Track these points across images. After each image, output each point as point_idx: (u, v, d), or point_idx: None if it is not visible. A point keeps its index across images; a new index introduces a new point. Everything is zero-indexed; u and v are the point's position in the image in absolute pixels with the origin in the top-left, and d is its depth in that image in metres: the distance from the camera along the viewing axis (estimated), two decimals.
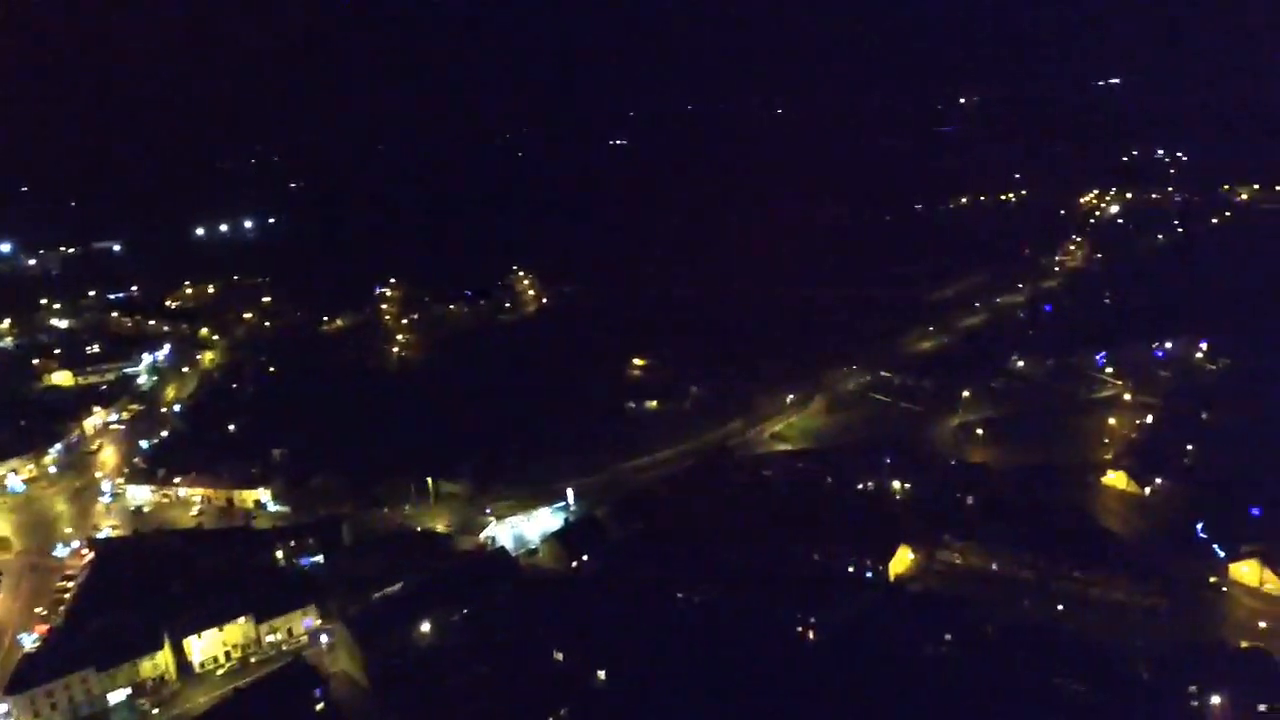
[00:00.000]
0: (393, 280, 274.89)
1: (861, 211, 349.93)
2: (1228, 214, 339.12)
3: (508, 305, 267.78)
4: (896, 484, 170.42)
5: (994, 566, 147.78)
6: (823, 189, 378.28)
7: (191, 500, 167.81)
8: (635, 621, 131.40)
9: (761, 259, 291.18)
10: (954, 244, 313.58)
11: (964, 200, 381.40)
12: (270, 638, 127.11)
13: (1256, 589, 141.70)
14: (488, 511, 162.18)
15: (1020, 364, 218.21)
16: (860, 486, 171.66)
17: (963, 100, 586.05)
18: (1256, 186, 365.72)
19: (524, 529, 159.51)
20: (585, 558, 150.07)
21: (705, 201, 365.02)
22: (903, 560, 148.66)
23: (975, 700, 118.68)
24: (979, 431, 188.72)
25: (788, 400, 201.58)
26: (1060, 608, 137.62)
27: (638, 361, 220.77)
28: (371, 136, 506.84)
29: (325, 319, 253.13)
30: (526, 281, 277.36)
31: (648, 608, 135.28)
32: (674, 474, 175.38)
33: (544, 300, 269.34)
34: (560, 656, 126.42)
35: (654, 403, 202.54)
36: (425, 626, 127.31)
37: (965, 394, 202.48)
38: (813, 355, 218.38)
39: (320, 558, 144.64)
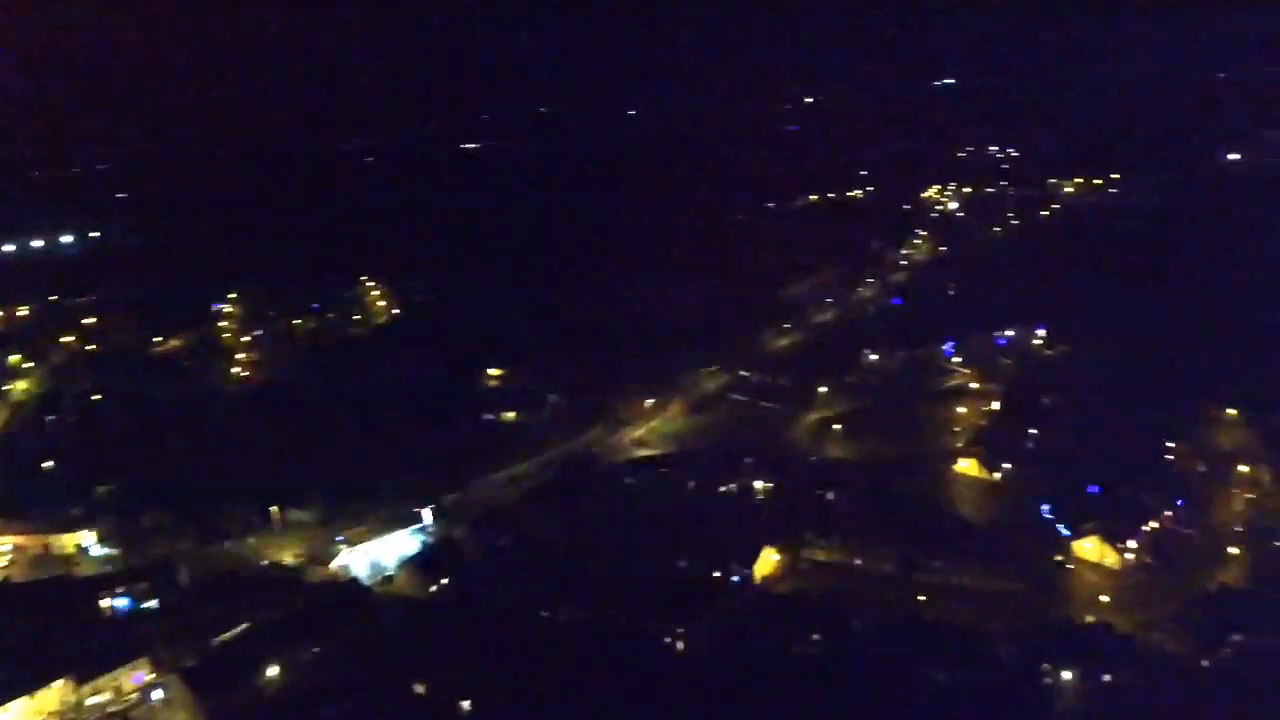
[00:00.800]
0: (232, 295, 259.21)
1: (714, 210, 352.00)
2: (1055, 206, 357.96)
3: (357, 316, 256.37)
4: (759, 484, 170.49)
5: (857, 562, 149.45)
6: (674, 188, 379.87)
7: None
8: (500, 645, 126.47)
9: (615, 260, 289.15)
10: (805, 241, 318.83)
11: (813, 198, 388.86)
12: (94, 699, 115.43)
13: (1098, 564, 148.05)
14: (339, 539, 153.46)
15: (873, 358, 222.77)
16: (723, 489, 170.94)
17: (809, 100, 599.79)
18: (1080, 180, 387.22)
19: (379, 555, 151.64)
20: (445, 581, 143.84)
21: (558, 205, 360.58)
22: (768, 562, 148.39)
23: (846, 698, 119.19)
24: (836, 427, 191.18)
25: (647, 404, 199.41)
26: (922, 598, 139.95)
27: (494, 371, 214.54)
28: (205, 140, 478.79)
29: (157, 339, 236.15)
30: (377, 291, 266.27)
31: (512, 629, 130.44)
32: (535, 487, 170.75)
33: (396, 310, 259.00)
34: (421, 689, 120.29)
35: (512, 413, 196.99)
36: (273, 671, 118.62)
37: (822, 390, 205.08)
38: (671, 357, 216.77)
39: (153, 603, 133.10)
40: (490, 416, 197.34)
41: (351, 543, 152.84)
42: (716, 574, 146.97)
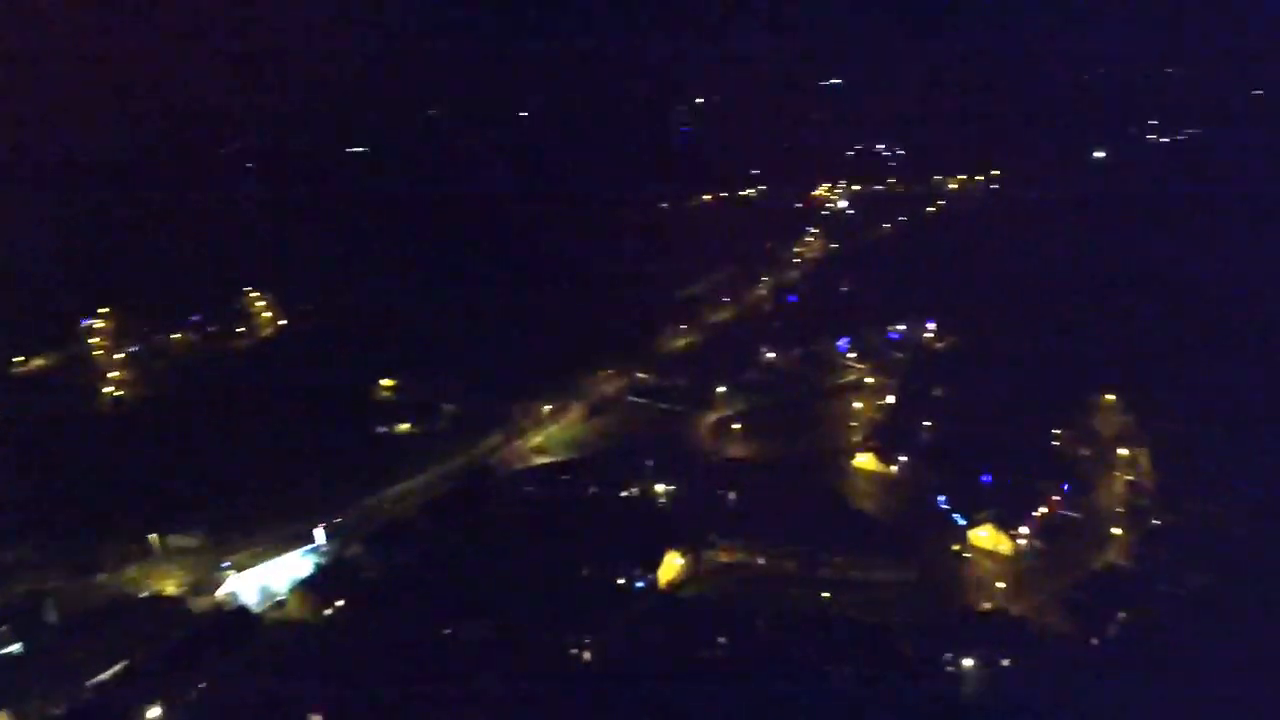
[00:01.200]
0: (104, 309, 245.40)
1: (608, 211, 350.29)
2: (941, 202, 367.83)
3: (241, 330, 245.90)
4: (660, 488, 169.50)
5: (760, 561, 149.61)
6: (568, 189, 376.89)
7: None
8: (400, 666, 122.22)
9: (508, 264, 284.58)
10: (700, 241, 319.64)
11: (706, 197, 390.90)
12: None
13: (993, 551, 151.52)
14: (226, 564, 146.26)
15: (770, 356, 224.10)
16: (625, 494, 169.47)
17: (700, 100, 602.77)
18: (963, 177, 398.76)
19: (269, 579, 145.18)
20: (340, 603, 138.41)
21: (447, 208, 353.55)
22: (672, 567, 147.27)
23: (753, 698, 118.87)
24: (736, 427, 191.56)
25: (545, 410, 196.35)
26: (825, 595, 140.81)
27: (386, 382, 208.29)
28: (72, 147, 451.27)
29: (18, 359, 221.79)
30: (262, 302, 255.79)
31: (412, 650, 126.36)
32: (433, 500, 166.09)
33: (282, 321, 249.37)
34: (318, 719, 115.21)
35: (406, 425, 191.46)
36: (154, 713, 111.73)
37: (721, 390, 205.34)
38: (569, 361, 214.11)
39: (17, 647, 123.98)
40: (383, 429, 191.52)
41: (239, 568, 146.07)
42: (620, 581, 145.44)
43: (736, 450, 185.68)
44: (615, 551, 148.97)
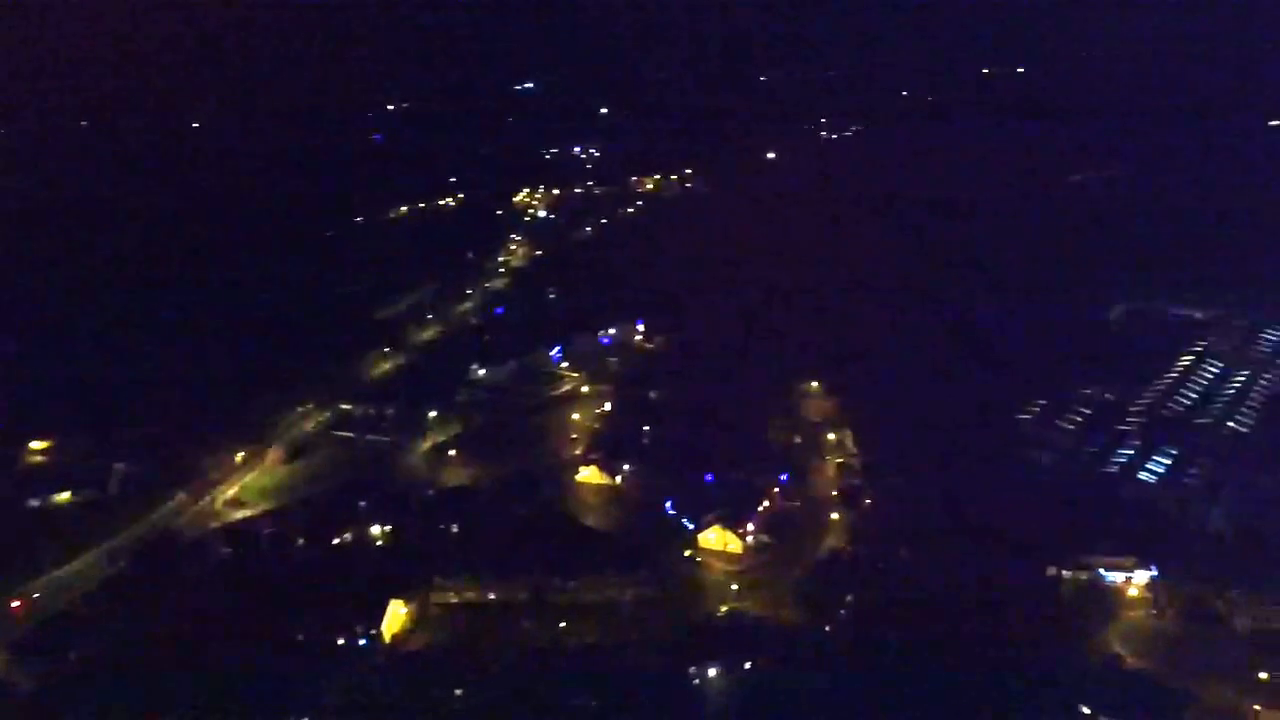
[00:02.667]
0: None
1: (295, 230, 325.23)
2: (640, 203, 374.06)
3: None
4: (376, 530, 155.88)
5: (491, 596, 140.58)
6: (251, 206, 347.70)
7: None
8: None
9: (184, 294, 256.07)
10: (399, 255, 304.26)
11: (404, 209, 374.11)
12: None
13: (723, 552, 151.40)
14: None
15: (482, 372, 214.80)
16: (337, 541, 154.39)
17: (390, 107, 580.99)
18: (658, 177, 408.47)
19: None
20: None
21: (103, 229, 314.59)
22: (396, 617, 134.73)
23: None
24: (452, 452, 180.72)
25: (238, 458, 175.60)
26: (562, 624, 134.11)
27: (37, 445, 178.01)
28: None
29: None
30: None
31: None
32: (106, 582, 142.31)
33: None
34: None
35: (66, 495, 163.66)
36: None
37: (432, 414, 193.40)
38: (260, 399, 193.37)
39: None
40: (36, 502, 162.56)
41: None
42: (340, 640, 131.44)
43: (455, 477, 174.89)
44: (331, 608, 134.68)
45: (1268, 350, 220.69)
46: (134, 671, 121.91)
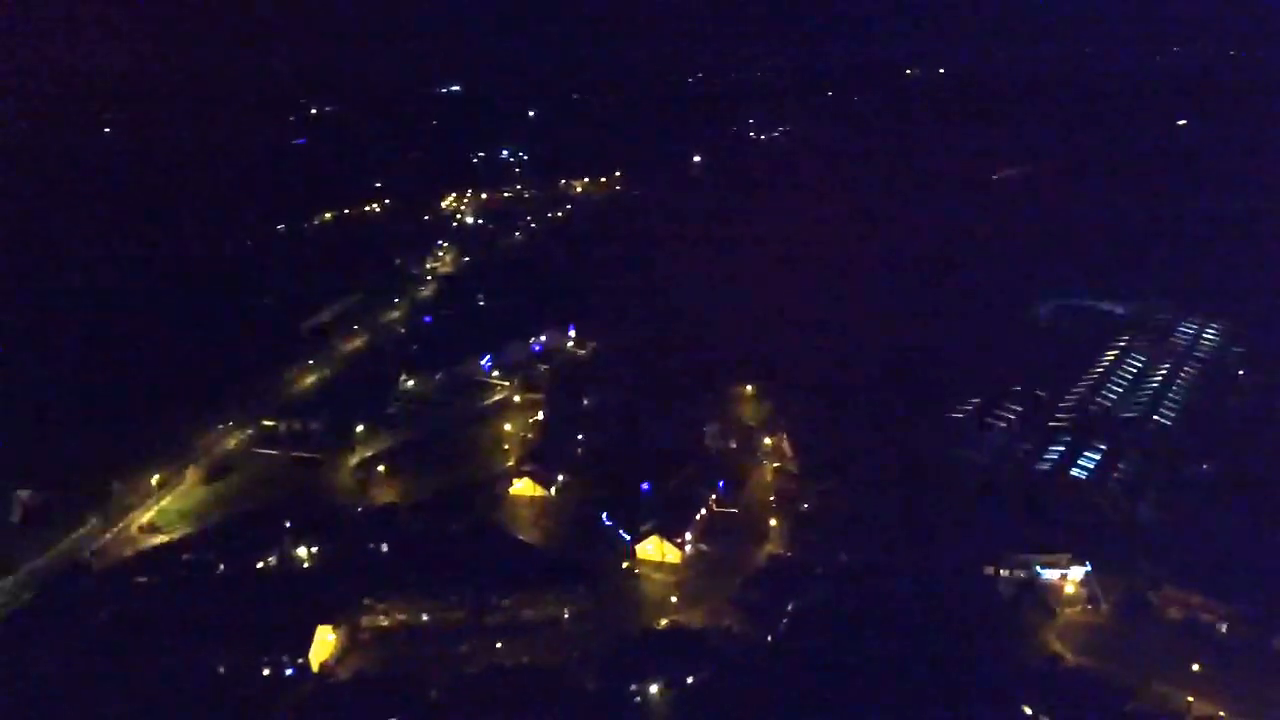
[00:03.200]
0: None
1: (216, 238, 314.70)
2: (569, 206, 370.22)
3: None
4: (302, 551, 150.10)
5: (425, 618, 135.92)
6: (167, 213, 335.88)
7: None
8: None
9: (91, 302, 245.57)
10: (323, 263, 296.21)
11: (328, 215, 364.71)
12: None
13: (662, 563, 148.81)
14: None
15: (411, 384, 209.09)
16: (260, 565, 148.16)
17: (313, 110, 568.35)
18: (586, 179, 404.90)
19: None
20: None
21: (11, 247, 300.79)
22: (324, 644, 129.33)
23: None
24: (381, 467, 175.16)
25: (153, 480, 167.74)
26: (499, 645, 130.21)
27: None
28: None
29: None
30: None
31: None
32: (9, 617, 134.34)
33: None
34: None
35: None
36: None
37: (360, 428, 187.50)
38: (177, 416, 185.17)
39: None
40: None
41: None
42: (266, 671, 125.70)
43: (385, 494, 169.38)
44: (255, 637, 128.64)
45: (1185, 343, 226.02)
46: (42, 711, 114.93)
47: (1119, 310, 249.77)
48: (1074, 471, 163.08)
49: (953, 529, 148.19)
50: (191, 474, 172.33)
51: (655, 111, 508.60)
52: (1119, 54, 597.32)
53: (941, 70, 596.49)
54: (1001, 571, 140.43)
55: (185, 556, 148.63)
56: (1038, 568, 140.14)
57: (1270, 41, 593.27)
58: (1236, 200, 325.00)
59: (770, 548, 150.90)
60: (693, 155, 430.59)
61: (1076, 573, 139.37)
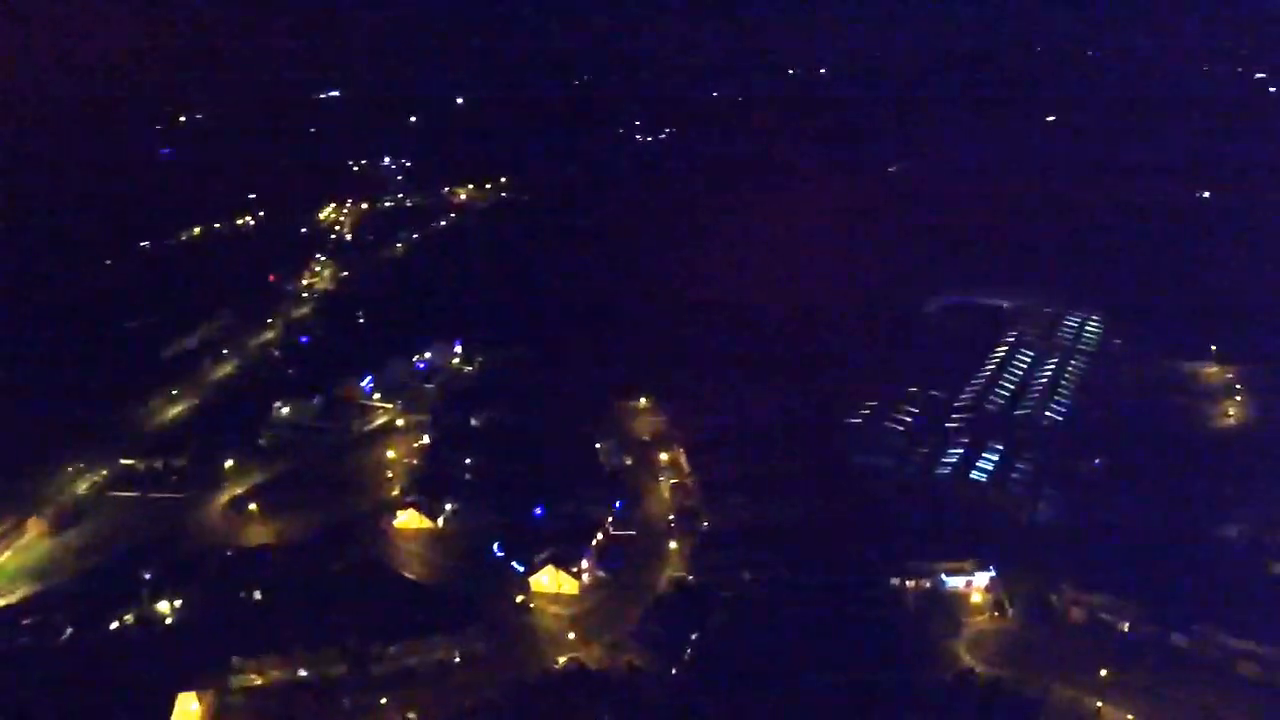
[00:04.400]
0: None
1: (68, 258, 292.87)
2: (452, 215, 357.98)
3: None
4: (163, 606, 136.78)
5: (302, 673, 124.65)
6: (8, 229, 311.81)
7: None
8: None
9: None
10: (191, 283, 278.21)
11: (196, 231, 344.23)
12: None
13: (557, 594, 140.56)
14: None
15: (285, 411, 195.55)
16: (116, 624, 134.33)
17: (183, 119, 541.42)
18: (471, 186, 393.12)
19: None
20: None
21: None
22: (187, 714, 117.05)
23: None
24: (253, 506, 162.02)
25: None
26: (384, 699, 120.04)
27: None
28: None
29: None
30: None
31: None
32: None
33: None
34: None
35: None
36: None
37: (229, 463, 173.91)
38: (17, 460, 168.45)
39: None
40: None
41: None
42: None
43: (259, 533, 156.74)
44: (108, 709, 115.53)
45: (1069, 337, 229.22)
46: None
47: (1005, 304, 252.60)
48: (974, 474, 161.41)
49: (856, 540, 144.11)
50: (35, 525, 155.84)
51: (541, 115, 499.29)
52: (994, 50, 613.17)
53: (823, 70, 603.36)
54: (908, 582, 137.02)
55: (26, 621, 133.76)
56: (943, 576, 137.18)
57: (1133, 33, 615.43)
58: (1113, 195, 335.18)
59: (670, 571, 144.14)
60: (579, 158, 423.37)
61: (981, 579, 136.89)
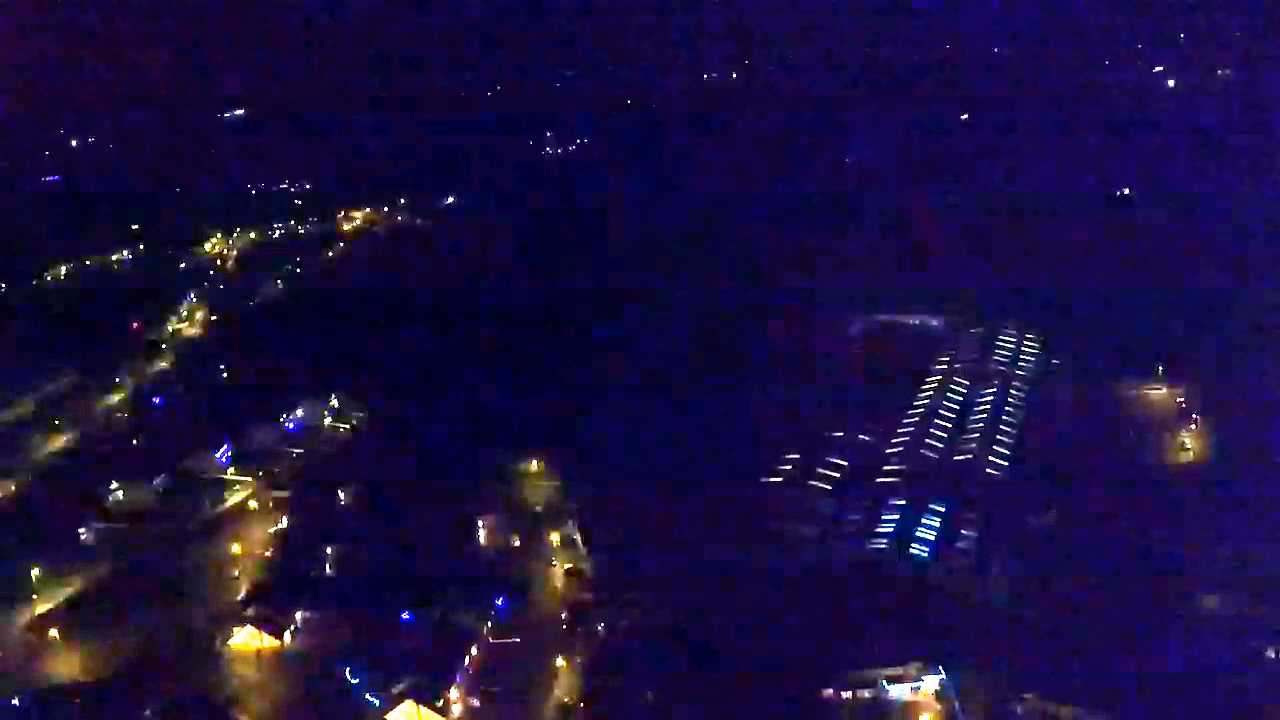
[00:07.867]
0: None
1: None
2: (341, 244, 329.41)
3: None
4: None
5: None
6: None
7: None
8: None
9: None
10: (35, 335, 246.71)
11: (63, 270, 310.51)
12: None
13: None
14: None
15: (121, 495, 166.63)
16: None
17: (74, 142, 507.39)
18: (368, 210, 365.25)
19: None
20: None
21: None
22: None
23: None
24: (54, 633, 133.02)
25: None
26: None
27: None
28: None
29: None
30: None
31: None
32: None
33: None
34: None
35: None
36: None
37: (36, 571, 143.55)
38: None
39: None
40: None
41: None
42: None
43: (60, 667, 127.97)
44: None
45: (1006, 359, 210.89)
46: None
47: (934, 323, 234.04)
48: (914, 548, 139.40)
49: (781, 642, 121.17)
50: None
51: (445, 128, 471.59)
52: (918, 62, 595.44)
53: (734, 75, 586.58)
54: (843, 694, 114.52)
55: None
56: (884, 684, 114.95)
57: (1075, 38, 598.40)
58: (1038, 201, 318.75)
59: (560, 694, 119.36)
60: (484, 173, 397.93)
61: (929, 683, 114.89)
